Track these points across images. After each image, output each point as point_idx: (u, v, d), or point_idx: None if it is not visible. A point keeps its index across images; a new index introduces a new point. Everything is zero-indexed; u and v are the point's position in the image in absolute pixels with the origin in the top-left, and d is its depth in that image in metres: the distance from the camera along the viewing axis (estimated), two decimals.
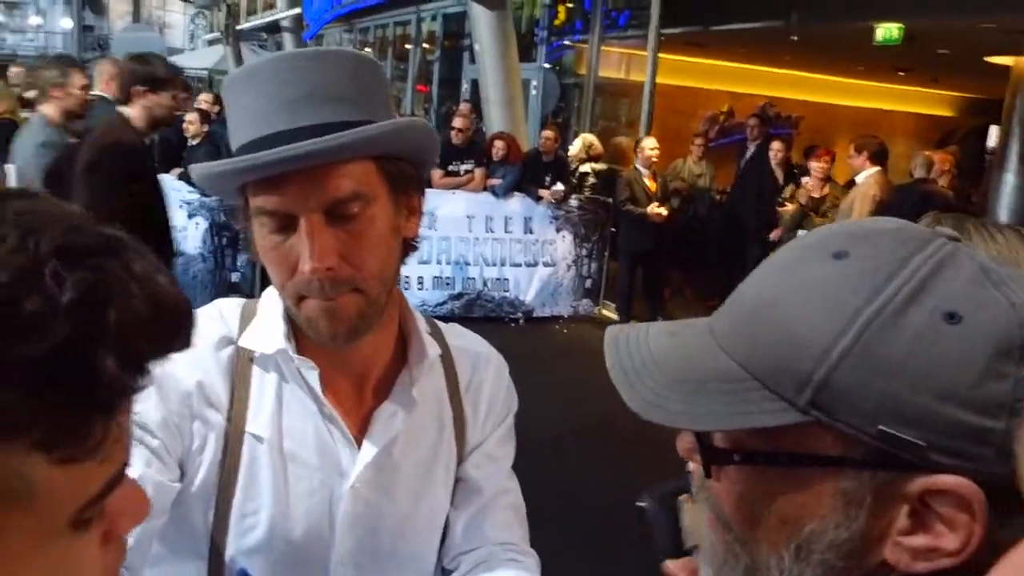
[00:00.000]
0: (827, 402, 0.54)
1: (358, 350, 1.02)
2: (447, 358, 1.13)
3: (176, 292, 0.48)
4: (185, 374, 0.97)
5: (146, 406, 0.94)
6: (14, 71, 9.84)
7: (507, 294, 7.79)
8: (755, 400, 0.56)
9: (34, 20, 29.81)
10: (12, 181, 4.10)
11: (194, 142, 7.81)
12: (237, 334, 1.03)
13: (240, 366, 1.02)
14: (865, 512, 0.55)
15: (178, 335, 0.47)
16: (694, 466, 0.64)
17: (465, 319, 7.50)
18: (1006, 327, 0.53)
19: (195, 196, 6.91)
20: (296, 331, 1.02)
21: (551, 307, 7.97)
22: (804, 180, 6.97)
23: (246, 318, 1.05)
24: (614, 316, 7.97)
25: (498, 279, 7.75)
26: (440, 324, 1.17)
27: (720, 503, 0.62)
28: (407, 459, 1.07)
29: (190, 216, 7.04)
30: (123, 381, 0.44)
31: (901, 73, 12.03)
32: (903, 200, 5.72)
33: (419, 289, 7.48)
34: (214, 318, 1.04)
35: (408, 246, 1.03)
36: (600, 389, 0.63)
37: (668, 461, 0.73)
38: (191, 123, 7.76)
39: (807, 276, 0.57)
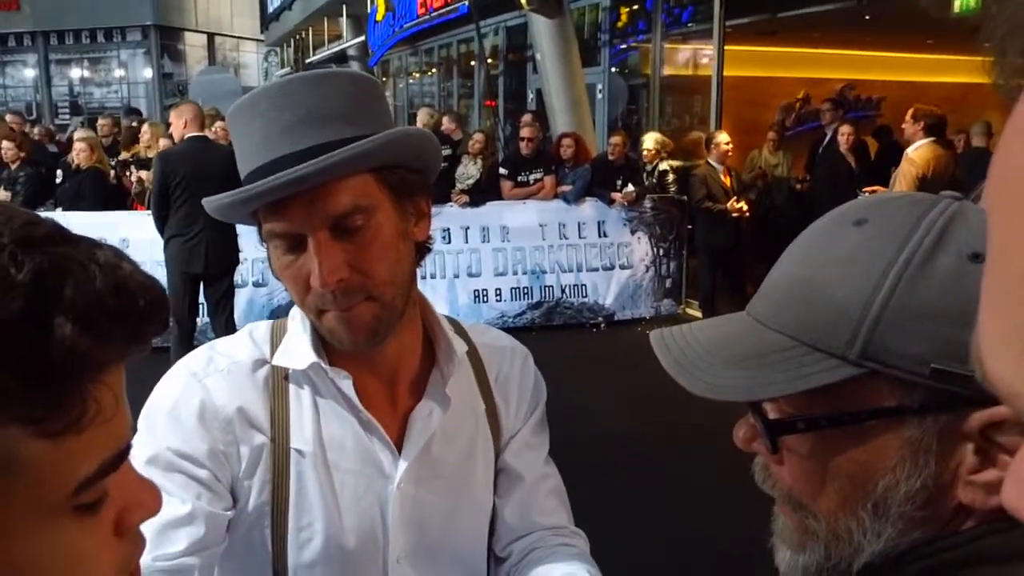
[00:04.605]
0: (878, 352, 0.58)
1: (385, 353, 1.06)
2: (474, 354, 1.16)
3: (143, 277, 0.50)
4: (225, 401, 1.02)
5: (191, 438, 0.99)
6: (101, 123, 10.29)
7: (586, 299, 7.72)
8: (810, 363, 0.60)
9: (118, 73, 31.16)
10: None
11: None
12: (270, 354, 1.06)
13: (276, 385, 1.05)
14: (933, 457, 0.58)
15: (145, 315, 0.49)
16: (758, 458, 0.68)
17: (546, 327, 7.47)
18: None
19: None
20: (325, 343, 1.05)
21: (632, 310, 7.86)
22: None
23: (276, 337, 1.08)
24: (699, 314, 7.81)
25: (576, 285, 7.68)
26: (463, 323, 1.21)
27: (787, 485, 0.65)
28: (447, 455, 1.11)
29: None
30: (82, 347, 0.45)
31: (987, 44, 11.40)
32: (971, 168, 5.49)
33: (497, 301, 7.48)
34: (246, 341, 1.08)
35: (422, 249, 1.06)
36: (684, 390, 0.66)
37: (748, 459, 0.73)
38: None
39: (834, 247, 0.62)
